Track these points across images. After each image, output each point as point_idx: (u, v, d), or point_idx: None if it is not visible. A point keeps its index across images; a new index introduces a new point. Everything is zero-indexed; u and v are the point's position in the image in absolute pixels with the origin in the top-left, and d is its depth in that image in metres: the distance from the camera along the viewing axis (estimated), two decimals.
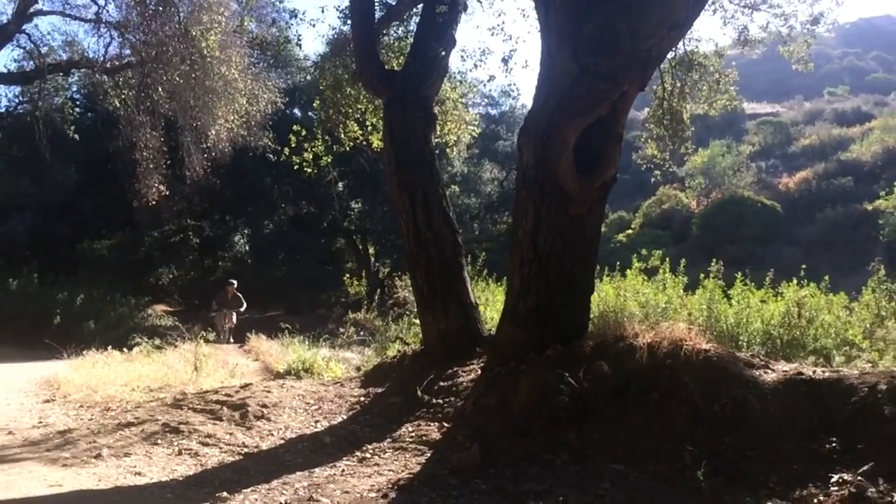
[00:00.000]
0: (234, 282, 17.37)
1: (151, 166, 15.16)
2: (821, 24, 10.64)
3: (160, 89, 14.79)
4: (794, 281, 9.68)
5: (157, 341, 11.87)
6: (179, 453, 5.17)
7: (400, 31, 10.68)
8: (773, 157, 43.17)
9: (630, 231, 37.78)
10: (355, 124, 11.37)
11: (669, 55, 11.21)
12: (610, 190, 5.84)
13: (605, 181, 5.59)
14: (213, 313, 16.70)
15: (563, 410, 4.70)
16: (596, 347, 5.17)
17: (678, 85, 11.62)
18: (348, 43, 10.14)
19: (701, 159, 37.66)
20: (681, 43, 11.21)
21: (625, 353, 4.84)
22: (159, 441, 5.41)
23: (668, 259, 11.12)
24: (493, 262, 15.92)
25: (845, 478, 3.43)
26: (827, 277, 10.07)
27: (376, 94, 9.32)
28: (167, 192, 16.51)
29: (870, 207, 31.48)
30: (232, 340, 16.03)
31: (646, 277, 10.72)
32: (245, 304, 16.57)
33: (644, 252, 12.28)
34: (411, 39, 9.57)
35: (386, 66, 9.49)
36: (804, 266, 10.26)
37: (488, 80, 14.03)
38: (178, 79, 14.26)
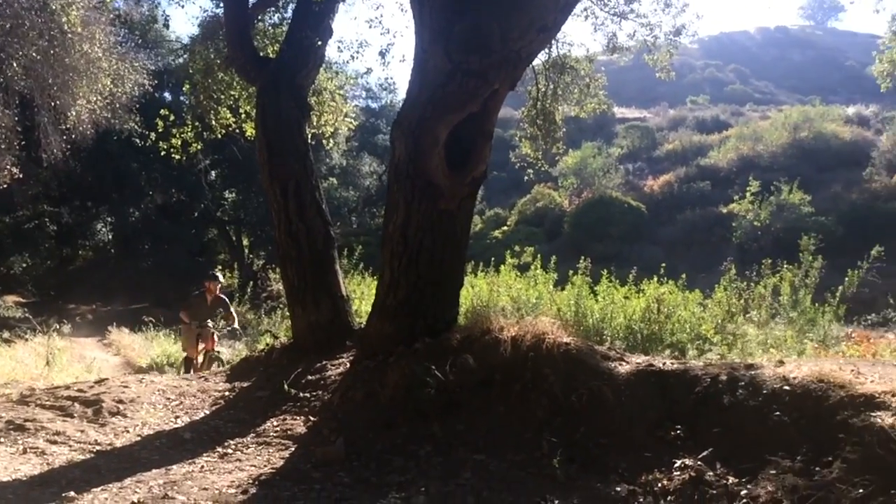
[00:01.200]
0: (220, 276, 11.54)
1: (3, 147, 14.07)
2: (682, 35, 11.25)
3: (14, 65, 13.75)
4: (655, 278, 10.14)
5: (6, 334, 11.06)
6: (24, 452, 4.83)
7: (276, 18, 10.44)
8: (640, 160, 45.24)
9: (505, 228, 38.61)
10: (228, 111, 11.01)
11: (543, 58, 11.54)
12: (480, 186, 5.94)
13: (476, 177, 5.68)
14: (182, 330, 10.84)
15: (429, 403, 4.75)
16: (463, 341, 5.25)
17: (551, 87, 11.95)
18: (221, 26, 9.81)
19: (573, 160, 38.96)
20: (554, 46, 11.56)
21: (490, 346, 4.95)
22: (2, 439, 5.04)
23: (539, 256, 11.42)
24: (370, 256, 15.83)
25: (687, 463, 3.65)
26: (684, 275, 10.59)
27: (249, 80, 9.06)
28: (20, 175, 15.35)
29: (725, 210, 33.57)
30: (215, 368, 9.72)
31: (519, 273, 10.95)
32: (235, 318, 11.10)
33: (517, 248, 12.57)
34: (287, 27, 9.36)
35: (260, 53, 9.24)
36: (664, 264, 10.76)
37: (365, 73, 14.00)
38: (35, 55, 13.31)
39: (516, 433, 4.33)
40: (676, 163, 42.43)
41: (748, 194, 31.09)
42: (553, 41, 11.29)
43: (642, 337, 9.21)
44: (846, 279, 10.46)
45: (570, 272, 10.20)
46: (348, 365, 6.09)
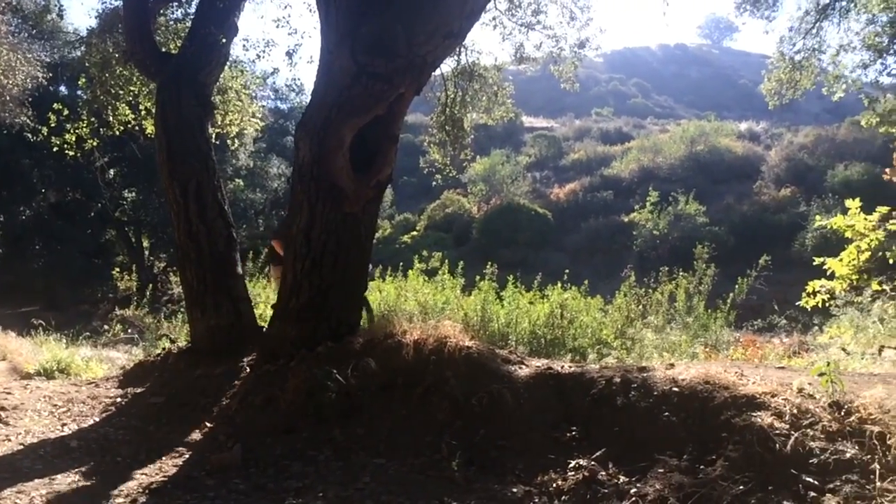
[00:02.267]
0: None
1: None
2: (587, 47, 11.58)
3: None
4: (559, 285, 10.35)
5: None
6: None
7: (178, 13, 10.11)
8: (547, 169, 46.25)
9: (415, 233, 38.70)
10: (127, 107, 10.61)
11: (452, 65, 11.65)
12: (385, 189, 5.94)
13: (381, 181, 5.68)
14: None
15: (329, 407, 4.71)
16: (366, 344, 5.23)
17: (460, 94, 12.06)
18: (120, 19, 9.44)
19: (482, 167, 39.45)
20: (463, 54, 11.69)
21: (393, 349, 4.95)
22: None
23: (447, 261, 11.49)
24: None
25: (581, 463, 3.75)
26: (587, 282, 10.87)
27: (149, 76, 8.76)
28: None
29: (626, 219, 34.68)
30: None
31: (427, 278, 10.98)
32: None
33: (426, 253, 12.60)
34: (190, 22, 9.10)
35: (162, 48, 8.95)
36: (567, 271, 11.00)
37: (272, 73, 13.71)
38: None
39: (417, 436, 4.34)
40: (581, 172, 43.58)
41: (648, 204, 32.25)
42: (461, 49, 11.42)
43: (546, 341, 9.39)
44: (736, 286, 10.97)
45: (478, 277, 10.31)
46: (248, 369, 5.96)
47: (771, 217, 32.21)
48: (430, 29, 5.34)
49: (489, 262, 10.87)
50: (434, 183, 14.19)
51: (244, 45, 13.01)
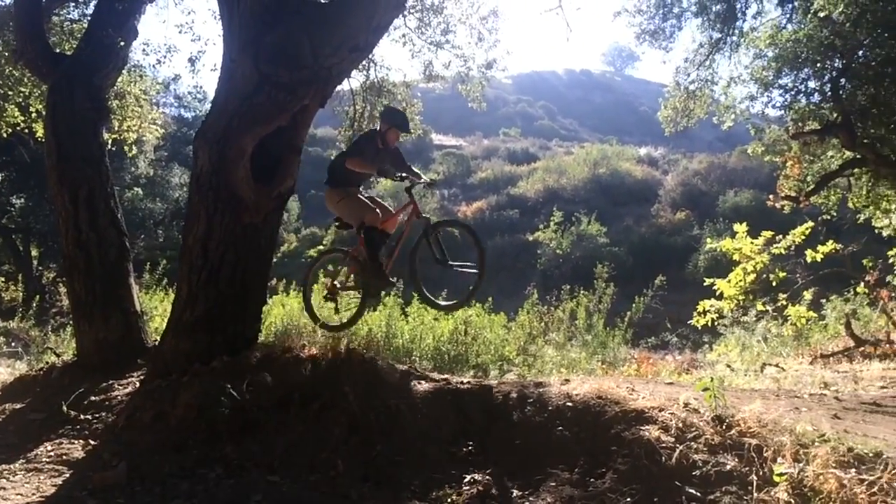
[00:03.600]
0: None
1: None
2: (494, 68, 11.80)
3: None
4: None
5: None
6: None
7: (75, 14, 9.74)
8: (455, 187, 46.66)
9: (322, 247, 38.21)
10: (17, 109, 10.10)
11: (361, 79, 11.64)
12: (287, 200, 5.85)
13: (283, 192, 5.58)
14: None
15: (222, 423, 4.56)
16: (263, 359, 5.11)
17: (368, 108, 12.06)
18: (11, 17, 8.98)
19: (391, 183, 39.43)
20: (372, 69, 11.71)
21: (291, 364, 4.86)
22: None
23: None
24: (176, 271, 14.99)
25: (476, 478, 3.77)
26: (490, 299, 10.99)
27: (40, 77, 8.36)
28: None
29: (531, 238, 35.34)
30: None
31: None
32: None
33: (332, 268, 12.45)
34: (87, 23, 8.75)
35: (56, 49, 8.57)
36: (471, 287, 11.04)
37: (174, 79, 13.35)
38: None
39: (313, 453, 4.26)
40: (488, 191, 44.17)
41: (552, 224, 33.02)
42: (370, 64, 11.44)
43: (449, 358, 9.43)
44: (633, 305, 11.34)
45: (384, 293, 10.27)
46: (138, 385, 5.71)
47: (667, 239, 33.52)
48: (336, 41, 5.32)
49: (395, 278, 10.85)
50: None
51: (144, 50, 12.59)
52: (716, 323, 12.48)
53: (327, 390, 4.59)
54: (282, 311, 10.31)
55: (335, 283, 7.27)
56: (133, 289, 7.40)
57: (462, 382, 4.90)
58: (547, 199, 40.00)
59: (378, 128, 6.99)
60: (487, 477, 3.78)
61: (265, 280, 5.93)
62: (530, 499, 3.57)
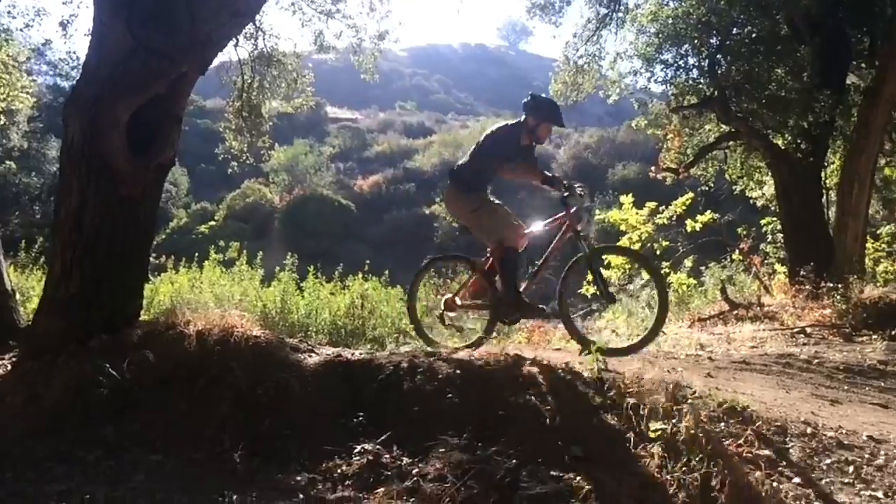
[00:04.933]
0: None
1: None
2: (386, 39, 11.69)
3: None
4: (360, 275, 10.40)
5: None
6: None
7: None
8: (351, 160, 46.31)
9: (213, 223, 37.18)
10: None
11: (249, 48, 11.28)
12: (167, 172, 5.62)
13: (162, 163, 5.35)
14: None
15: (102, 404, 4.37)
16: (145, 336, 4.91)
17: (257, 79, 11.74)
18: None
19: (285, 156, 38.71)
20: (261, 38, 11.36)
21: (174, 341, 4.70)
22: None
23: (245, 251, 11.15)
24: None
25: (366, 448, 3.78)
26: (387, 272, 11.00)
27: None
28: None
29: (427, 211, 35.59)
30: None
31: (224, 269, 10.60)
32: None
33: (222, 243, 12.15)
34: None
35: None
36: (368, 261, 11.09)
37: (44, 45, 12.53)
38: None
39: (198, 430, 4.14)
40: (385, 164, 44.09)
41: None
42: (259, 32, 11.10)
43: (346, 332, 9.42)
44: (527, 275, 11.55)
45: (278, 269, 10.13)
46: (9, 367, 5.38)
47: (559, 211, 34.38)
48: (214, 5, 5.11)
49: (290, 253, 10.71)
50: (230, 171, 13.68)
51: (10, 13, 11.74)
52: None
53: (213, 366, 4.47)
54: (170, 288, 9.99)
55: (455, 297, 6.25)
56: (3, 266, 6.94)
57: (353, 355, 4.89)
58: (443, 173, 40.01)
59: (523, 119, 5.83)
60: (378, 447, 3.79)
61: (145, 255, 5.68)
62: (420, 465, 3.60)
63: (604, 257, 5.66)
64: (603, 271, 13.13)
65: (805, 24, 11.06)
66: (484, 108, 68.02)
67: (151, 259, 6.91)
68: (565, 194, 5.76)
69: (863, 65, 11.73)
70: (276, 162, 37.23)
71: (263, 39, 11.34)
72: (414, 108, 62.08)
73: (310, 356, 4.79)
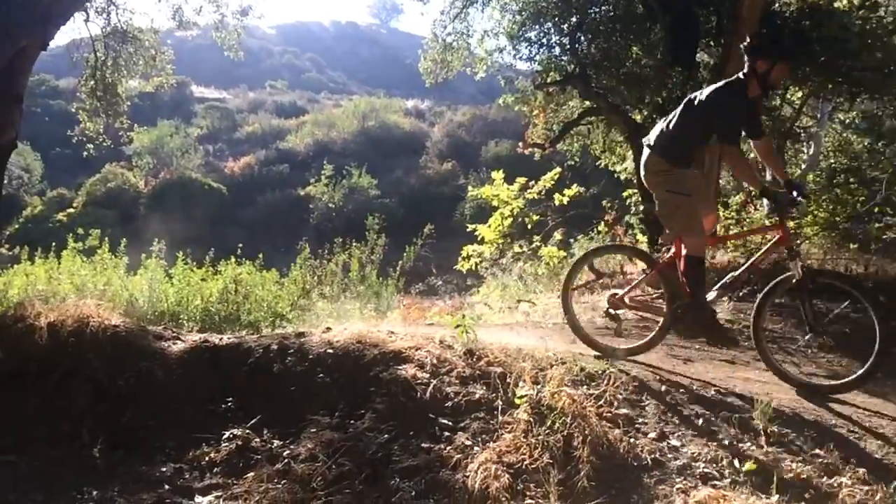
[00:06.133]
0: None
1: None
2: (249, 15, 11.38)
3: None
4: (234, 260, 10.15)
5: None
6: None
7: None
8: (221, 142, 44.79)
9: (72, 210, 35.05)
10: None
11: (101, 24, 10.67)
12: (9, 154, 5.27)
13: (3, 144, 5.00)
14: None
15: None
16: None
17: (112, 56, 11.14)
18: None
19: (149, 138, 36.94)
20: (114, 13, 10.76)
21: (24, 334, 4.44)
22: None
23: (108, 239, 10.62)
24: None
25: (235, 433, 3.72)
26: (261, 255, 10.78)
27: None
28: None
29: (303, 193, 35.02)
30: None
31: (86, 258, 10.06)
32: None
33: (81, 231, 11.51)
34: None
35: None
36: (241, 245, 10.83)
37: None
38: None
39: (54, 426, 3.94)
40: (256, 145, 42.97)
41: (323, 178, 32.89)
42: (112, 7, 10.53)
43: (220, 318, 9.18)
44: (404, 254, 11.66)
45: (145, 256, 9.74)
46: None
47: (435, 189, 34.77)
48: None
49: (158, 240, 10.31)
50: (86, 154, 12.92)
51: None
52: (478, 266, 13.22)
53: (68, 359, 4.26)
54: (25, 280, 9.39)
55: (624, 295, 5.43)
56: None
57: (222, 340, 4.78)
58: (317, 153, 39.74)
59: (746, 69, 4.72)
60: (247, 431, 3.74)
61: None
62: (291, 447, 3.59)
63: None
64: (478, 247, 13.51)
65: (657, 3, 11.57)
66: (357, 88, 67.35)
67: (3, 251, 6.45)
68: (791, 197, 4.75)
69: (711, 43, 12.41)
70: (139, 144, 35.42)
71: (117, 14, 10.77)
72: (285, 88, 60.60)
73: (174, 343, 4.65)
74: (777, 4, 11.03)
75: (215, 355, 4.45)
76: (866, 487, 3.29)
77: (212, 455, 3.58)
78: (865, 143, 14.80)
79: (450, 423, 3.72)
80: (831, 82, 11.02)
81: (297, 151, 41.20)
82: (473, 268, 13.43)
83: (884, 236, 11.39)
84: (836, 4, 10.76)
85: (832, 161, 14.11)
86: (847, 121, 15.47)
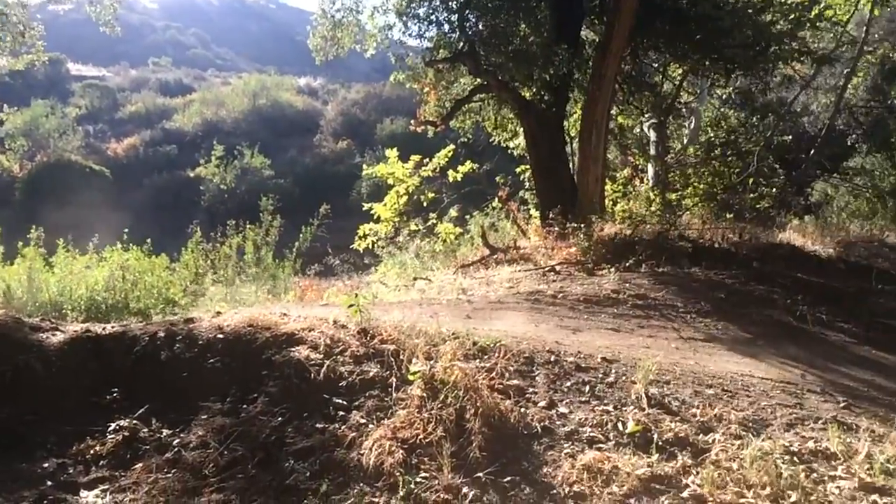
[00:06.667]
0: None
1: None
2: None
3: None
4: (120, 246, 9.82)
5: None
6: None
7: None
8: (102, 122, 42.64)
9: None
10: None
11: None
12: None
13: None
14: None
15: None
16: None
17: None
18: None
19: (22, 119, 34.74)
20: None
21: None
22: None
23: None
24: None
25: (122, 424, 3.60)
26: (149, 240, 10.44)
27: None
28: None
29: (192, 174, 33.86)
30: None
31: None
32: None
33: None
34: None
35: None
36: (126, 230, 10.49)
37: None
38: None
39: None
40: (140, 125, 41.21)
41: (214, 158, 31.92)
42: None
43: (107, 307, 8.88)
44: (301, 235, 11.53)
45: (21, 244, 9.28)
46: None
47: (331, 168, 34.39)
48: None
49: (36, 227, 9.83)
50: None
51: None
52: (375, 245, 13.24)
53: None
54: None
55: None
56: None
57: (105, 328, 4.59)
58: (206, 133, 38.51)
59: None
60: (134, 422, 3.63)
61: None
62: (181, 435, 3.51)
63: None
64: (374, 226, 13.49)
65: None
66: (247, 64, 65.42)
67: None
68: None
69: (595, 20, 12.78)
70: (11, 126, 33.28)
71: None
72: (169, 65, 58.09)
73: (54, 335, 4.43)
74: None
75: (98, 345, 4.27)
76: (738, 442, 3.53)
77: (97, 448, 3.46)
78: (740, 118, 15.65)
79: (344, 403, 3.74)
80: (708, 59, 11.56)
81: (184, 131, 39.72)
82: (370, 246, 13.44)
83: (757, 206, 12.14)
84: None
85: (711, 135, 14.83)
86: (724, 96, 16.30)
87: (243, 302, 9.18)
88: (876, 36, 18.24)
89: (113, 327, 4.64)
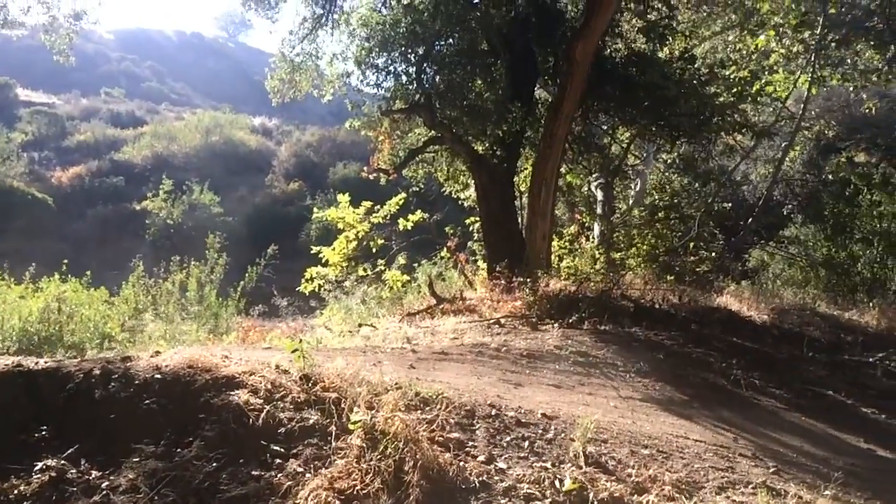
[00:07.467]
0: None
1: None
2: (84, 20, 10.82)
3: None
4: (58, 276, 9.62)
5: None
6: None
7: None
8: (48, 149, 41.75)
9: None
10: None
11: None
12: None
13: None
14: None
15: None
16: None
17: None
18: None
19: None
20: None
21: None
22: None
23: None
24: None
25: (49, 464, 3.49)
26: (89, 273, 10.24)
27: None
28: None
29: (139, 207, 33.29)
30: None
31: None
32: None
33: None
34: None
35: None
36: (66, 261, 10.30)
37: None
38: None
39: None
40: (88, 155, 40.50)
41: (162, 192, 31.52)
42: None
43: (40, 339, 8.66)
44: (247, 275, 11.42)
45: None
46: None
47: (281, 209, 34.23)
48: None
49: None
50: None
51: None
52: (322, 289, 13.18)
53: None
54: None
55: None
56: None
57: (38, 364, 4.46)
58: (156, 166, 38.04)
59: None
60: (62, 462, 3.52)
61: None
62: (110, 478, 3.42)
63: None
64: (322, 269, 13.42)
65: (499, 41, 12.15)
66: (201, 100, 65.08)
67: None
68: None
69: (549, 81, 13.16)
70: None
71: None
72: (122, 96, 57.45)
73: None
74: (608, 50, 11.87)
75: (30, 380, 4.14)
76: (671, 503, 3.60)
77: (22, 488, 3.34)
78: (683, 183, 16.17)
79: (282, 450, 3.69)
80: (654, 125, 11.98)
81: (133, 164, 39.15)
82: (317, 290, 13.37)
83: (697, 269, 12.48)
84: (659, 54, 11.74)
85: (655, 198, 15.27)
86: (669, 161, 16.86)
87: (183, 340, 9.03)
88: (813, 113, 19.24)
89: (46, 362, 4.51)
